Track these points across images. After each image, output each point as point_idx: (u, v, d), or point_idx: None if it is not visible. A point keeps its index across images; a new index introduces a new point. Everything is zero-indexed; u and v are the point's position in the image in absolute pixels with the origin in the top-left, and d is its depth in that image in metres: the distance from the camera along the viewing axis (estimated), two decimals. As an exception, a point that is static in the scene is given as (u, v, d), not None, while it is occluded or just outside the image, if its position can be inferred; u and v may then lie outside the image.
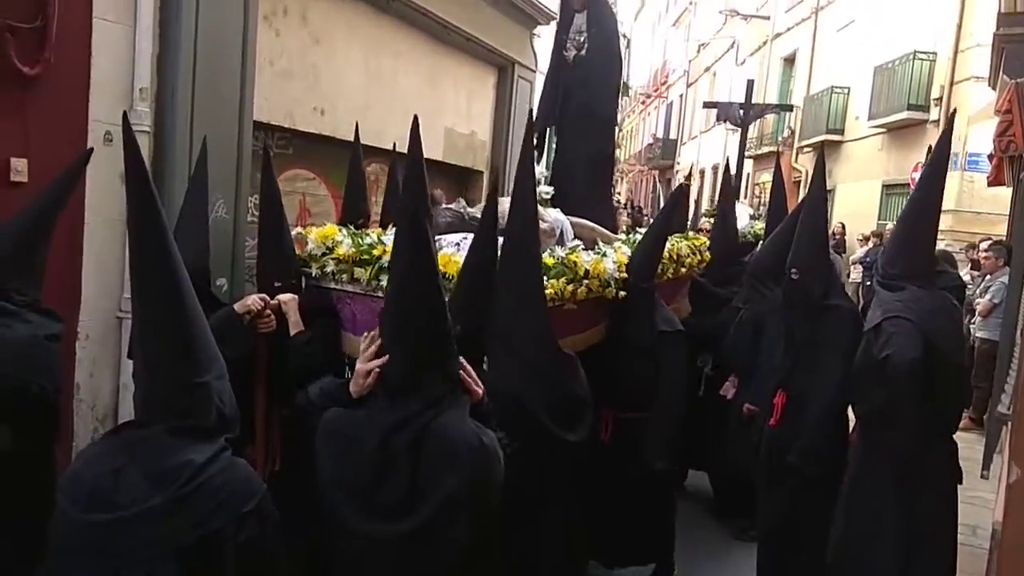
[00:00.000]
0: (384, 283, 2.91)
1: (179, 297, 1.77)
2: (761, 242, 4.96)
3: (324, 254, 3.12)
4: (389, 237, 3.31)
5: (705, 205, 8.23)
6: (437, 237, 3.35)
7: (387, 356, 1.94)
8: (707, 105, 15.25)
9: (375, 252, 3.02)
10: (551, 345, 2.71)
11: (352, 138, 4.12)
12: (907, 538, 2.98)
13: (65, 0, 3.23)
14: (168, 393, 1.74)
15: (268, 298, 2.92)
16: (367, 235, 3.24)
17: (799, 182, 16.31)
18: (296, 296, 2.98)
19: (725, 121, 13.17)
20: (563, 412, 2.64)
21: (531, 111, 4.65)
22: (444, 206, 3.84)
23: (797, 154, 17.68)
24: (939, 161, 3.22)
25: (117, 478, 1.65)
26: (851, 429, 3.32)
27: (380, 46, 5.62)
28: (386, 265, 2.91)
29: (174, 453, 1.69)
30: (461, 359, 2.04)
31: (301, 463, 1.94)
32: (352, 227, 3.41)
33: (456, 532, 1.82)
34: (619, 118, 4.76)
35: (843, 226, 13.71)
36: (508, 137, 7.53)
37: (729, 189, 5.69)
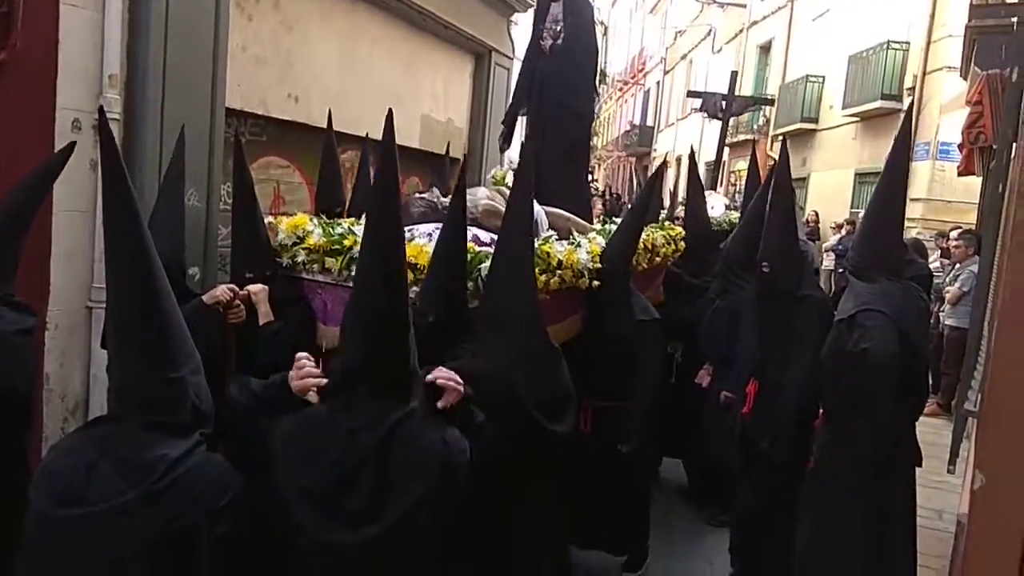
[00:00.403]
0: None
1: (154, 291, 1.76)
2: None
3: (295, 244, 3.10)
4: (360, 227, 3.30)
5: (682, 194, 8.23)
6: (410, 227, 3.35)
7: (339, 359, 1.92)
8: (691, 94, 15.21)
9: (346, 242, 3.00)
10: (541, 332, 2.72)
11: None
12: (875, 522, 3.06)
13: (30, -15, 3.16)
14: (143, 387, 1.74)
15: (237, 288, 2.90)
16: (338, 225, 3.23)
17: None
18: (266, 286, 2.96)
19: (704, 111, 13.13)
20: (550, 402, 2.65)
21: (511, 115, 4.63)
22: (417, 195, 3.83)
23: (772, 142, 17.80)
24: (900, 154, 3.28)
25: (89, 473, 1.65)
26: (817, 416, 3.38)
27: (355, 32, 5.56)
28: (357, 255, 2.91)
29: (148, 448, 1.69)
30: (445, 369, 2.02)
31: (239, 465, 1.90)
32: (326, 216, 3.39)
33: (422, 534, 1.81)
34: (596, 105, 4.74)
35: (817, 214, 13.86)
36: (485, 124, 7.50)
37: (697, 179, 5.71)
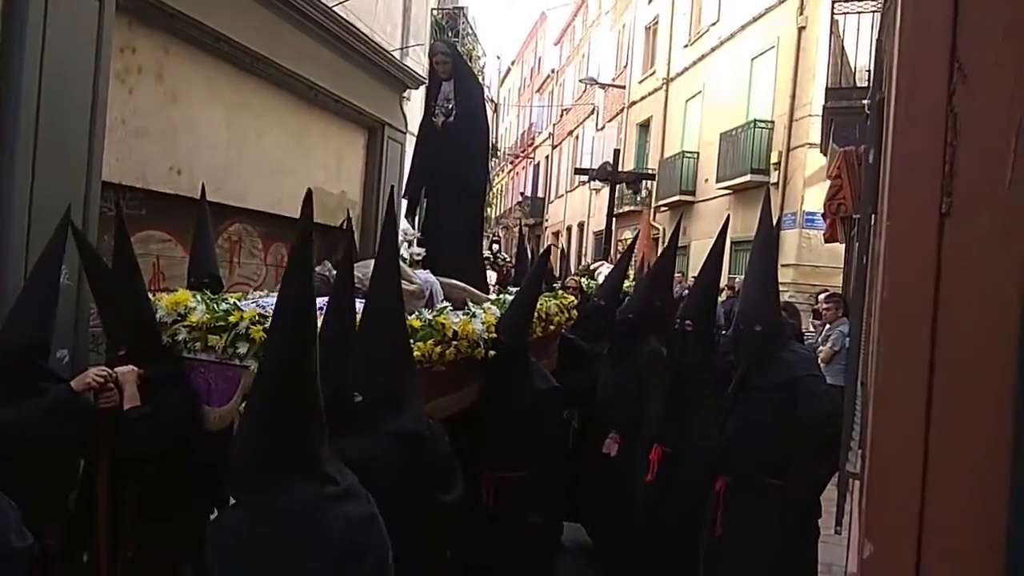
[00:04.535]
0: (241, 350, 2.78)
1: None
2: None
3: (175, 322, 2.94)
4: (247, 303, 3.18)
5: (573, 263, 8.45)
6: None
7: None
8: (578, 171, 15.88)
9: (231, 319, 2.87)
10: (421, 406, 2.66)
11: (213, 198, 3.97)
12: None
13: None
14: None
15: (110, 371, 2.69)
16: (224, 300, 3.09)
17: (657, 239, 17.20)
18: (135, 368, 2.74)
19: (595, 180, 13.67)
20: (437, 473, 2.58)
21: (392, 188, 4.67)
22: (309, 269, 3.74)
23: (655, 213, 18.68)
24: (766, 231, 3.47)
25: None
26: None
27: (243, 105, 5.49)
28: (242, 332, 2.80)
29: None
30: None
31: None
32: (197, 288, 3.26)
33: None
34: (490, 176, 4.83)
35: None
36: (379, 197, 7.50)
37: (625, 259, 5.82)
